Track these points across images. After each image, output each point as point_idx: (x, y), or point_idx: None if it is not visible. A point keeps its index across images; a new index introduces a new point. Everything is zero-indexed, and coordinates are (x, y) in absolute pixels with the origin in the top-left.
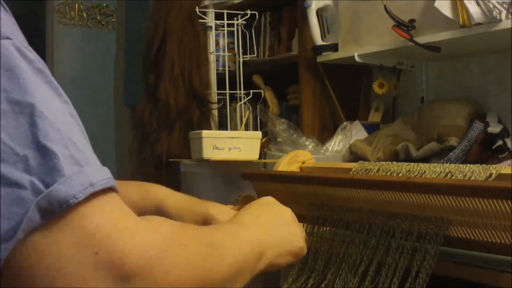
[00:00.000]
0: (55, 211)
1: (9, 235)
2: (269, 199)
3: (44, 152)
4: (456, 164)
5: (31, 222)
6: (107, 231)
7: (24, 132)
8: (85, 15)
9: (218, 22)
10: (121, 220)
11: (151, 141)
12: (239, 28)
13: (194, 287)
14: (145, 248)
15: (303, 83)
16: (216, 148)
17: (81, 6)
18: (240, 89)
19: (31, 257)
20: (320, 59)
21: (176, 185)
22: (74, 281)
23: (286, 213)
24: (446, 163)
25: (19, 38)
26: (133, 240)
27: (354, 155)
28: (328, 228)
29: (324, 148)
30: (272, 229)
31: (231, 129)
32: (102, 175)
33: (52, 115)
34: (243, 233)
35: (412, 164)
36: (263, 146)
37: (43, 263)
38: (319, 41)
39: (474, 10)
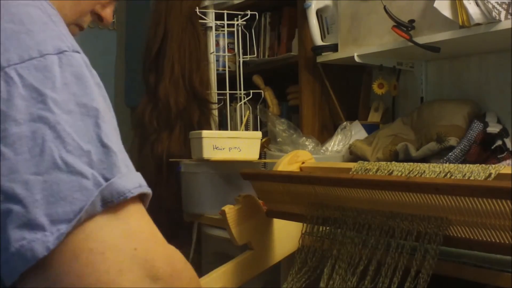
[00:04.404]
0: (114, 201)
1: (69, 217)
2: None
3: (105, 150)
4: (455, 164)
5: (93, 209)
6: (146, 234)
7: (88, 131)
8: None
9: (218, 22)
10: (155, 229)
11: (151, 141)
12: (239, 28)
13: None
14: (173, 259)
15: (303, 83)
16: (216, 148)
17: None
18: (240, 89)
19: (91, 239)
20: (320, 59)
21: (176, 185)
22: (114, 268)
23: None
24: (446, 163)
25: (83, 53)
26: (166, 249)
27: (353, 155)
28: (328, 228)
29: (324, 148)
30: None
31: (231, 129)
32: (143, 180)
33: (109, 123)
34: None
35: (411, 164)
36: (263, 146)
37: (100, 246)
38: (319, 41)
39: (473, 10)
